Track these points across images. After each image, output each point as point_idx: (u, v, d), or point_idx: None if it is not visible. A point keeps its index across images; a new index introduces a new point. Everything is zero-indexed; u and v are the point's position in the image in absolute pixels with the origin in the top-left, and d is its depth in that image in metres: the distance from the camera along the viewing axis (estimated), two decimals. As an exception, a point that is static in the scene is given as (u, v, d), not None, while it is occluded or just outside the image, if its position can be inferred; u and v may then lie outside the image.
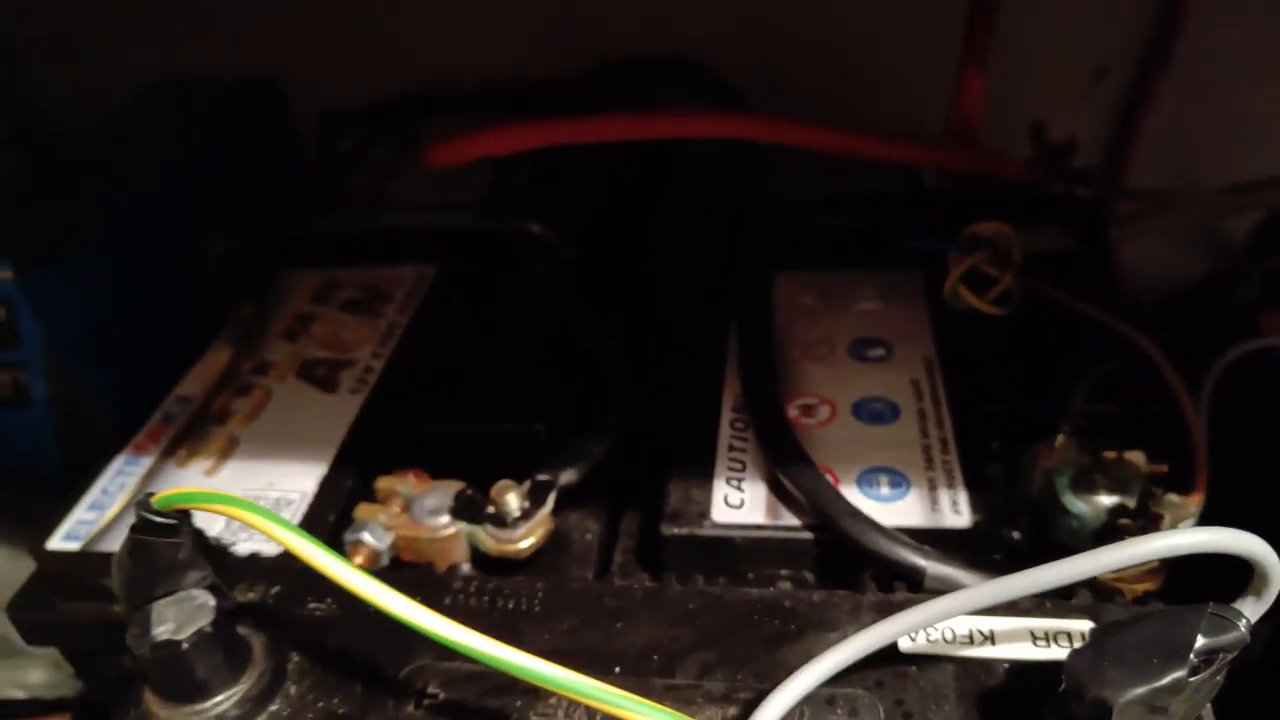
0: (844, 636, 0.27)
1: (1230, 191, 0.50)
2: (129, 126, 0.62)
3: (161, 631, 0.26)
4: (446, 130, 0.49)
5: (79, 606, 0.38)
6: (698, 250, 0.46)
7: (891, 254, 0.45)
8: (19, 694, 0.56)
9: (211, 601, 0.27)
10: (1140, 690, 0.21)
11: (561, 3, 0.58)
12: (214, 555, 0.28)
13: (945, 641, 0.27)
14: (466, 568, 0.37)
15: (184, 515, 0.27)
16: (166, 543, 0.27)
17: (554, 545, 0.37)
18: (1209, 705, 0.24)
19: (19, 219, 0.54)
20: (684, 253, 0.47)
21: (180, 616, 0.27)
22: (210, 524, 0.29)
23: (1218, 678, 0.22)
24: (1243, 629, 0.22)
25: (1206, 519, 0.30)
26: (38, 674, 0.56)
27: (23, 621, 0.39)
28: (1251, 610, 0.22)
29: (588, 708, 0.27)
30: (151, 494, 0.26)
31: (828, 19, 0.56)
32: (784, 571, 0.34)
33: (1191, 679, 0.21)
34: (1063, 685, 0.22)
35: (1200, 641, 0.21)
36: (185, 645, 0.26)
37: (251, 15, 0.62)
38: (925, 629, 0.27)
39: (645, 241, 0.48)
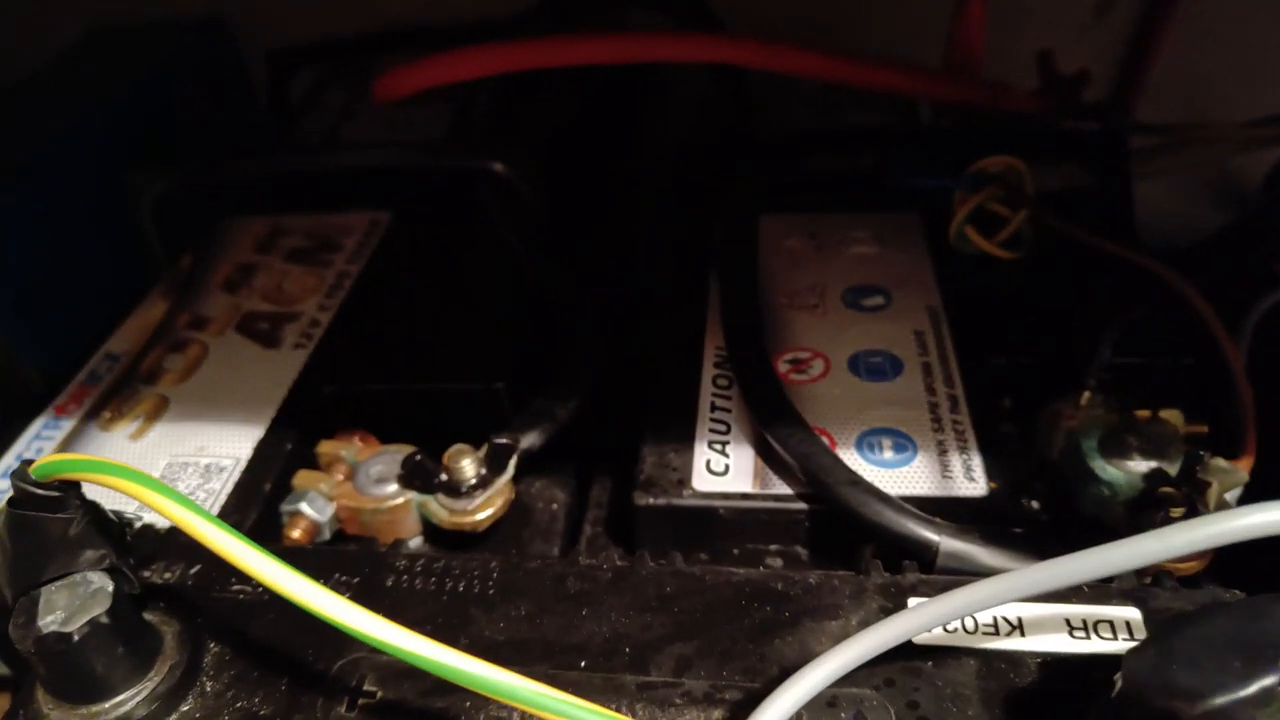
0: (845, 626, 0.24)
1: (1248, 126, 0.46)
2: (73, 69, 0.57)
3: (49, 622, 0.23)
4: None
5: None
6: (673, 191, 0.42)
7: (887, 195, 0.41)
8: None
9: (109, 586, 0.23)
10: (1220, 700, 0.17)
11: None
12: (114, 531, 0.24)
13: (966, 632, 0.23)
14: (417, 542, 0.33)
15: (73, 486, 0.23)
16: (53, 518, 0.23)
17: (515, 517, 0.33)
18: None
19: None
20: (658, 194, 0.43)
21: (72, 604, 0.23)
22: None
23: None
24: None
25: (1255, 486, 0.26)
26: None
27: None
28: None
29: (548, 709, 0.23)
30: (29, 461, 0.22)
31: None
32: (773, 547, 0.30)
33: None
34: (1117, 689, 0.18)
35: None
36: (76, 637, 0.22)
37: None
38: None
39: (616, 183, 0.43)
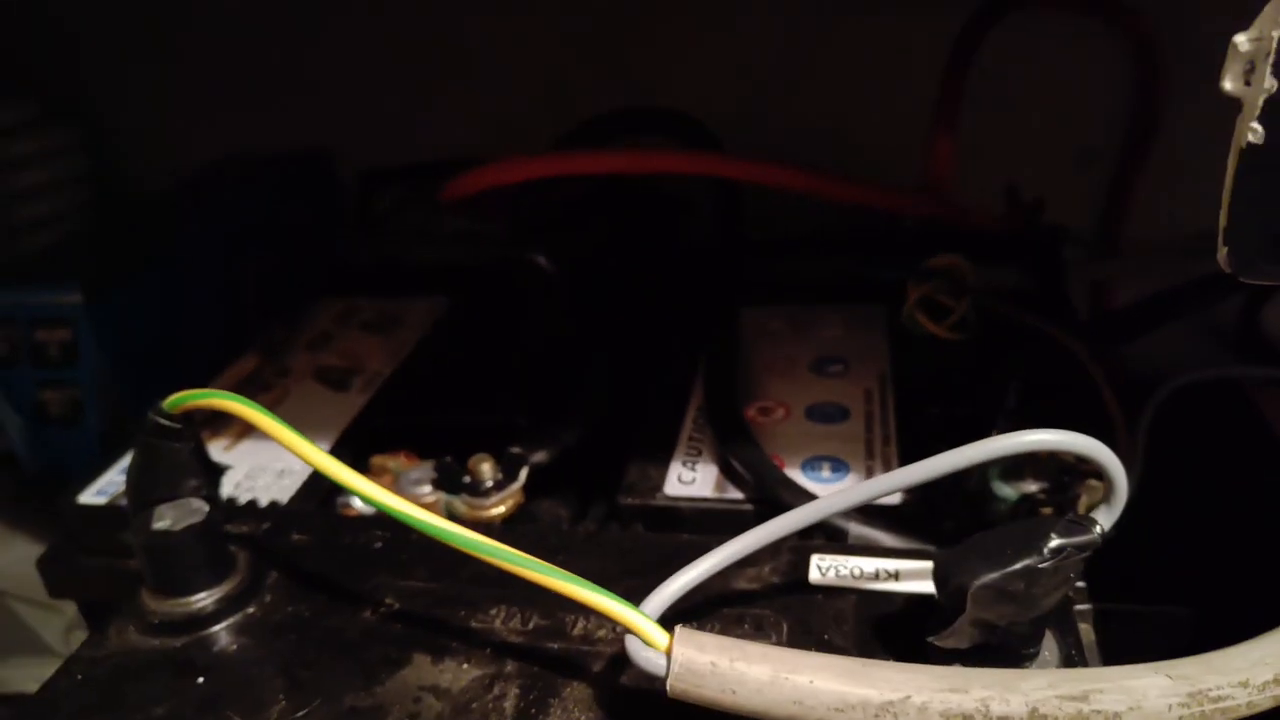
0: (760, 572, 0.30)
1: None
2: (194, 188, 0.69)
3: (159, 525, 0.30)
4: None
5: (100, 561, 0.42)
6: (675, 279, 0.51)
7: (857, 290, 0.49)
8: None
9: (205, 508, 0.31)
10: (993, 575, 0.24)
11: (576, 84, 0.65)
12: (213, 471, 0.32)
13: (853, 577, 0.30)
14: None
15: (189, 422, 0.31)
16: (171, 445, 0.31)
17: (523, 521, 0.40)
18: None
19: (90, 250, 0.60)
20: (661, 285, 0.51)
21: (176, 516, 0.30)
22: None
23: (1071, 575, 0.24)
24: (1096, 533, 0.24)
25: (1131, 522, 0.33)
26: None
27: (48, 575, 0.43)
28: (1105, 518, 0.25)
29: (522, 615, 0.30)
30: (163, 399, 0.30)
31: (816, 86, 0.61)
32: (726, 539, 0.37)
33: (1042, 567, 0.24)
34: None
35: (1054, 541, 0.24)
36: (175, 538, 0.30)
37: (309, 95, 0.70)
38: (834, 563, 0.30)
39: (630, 271, 0.52)
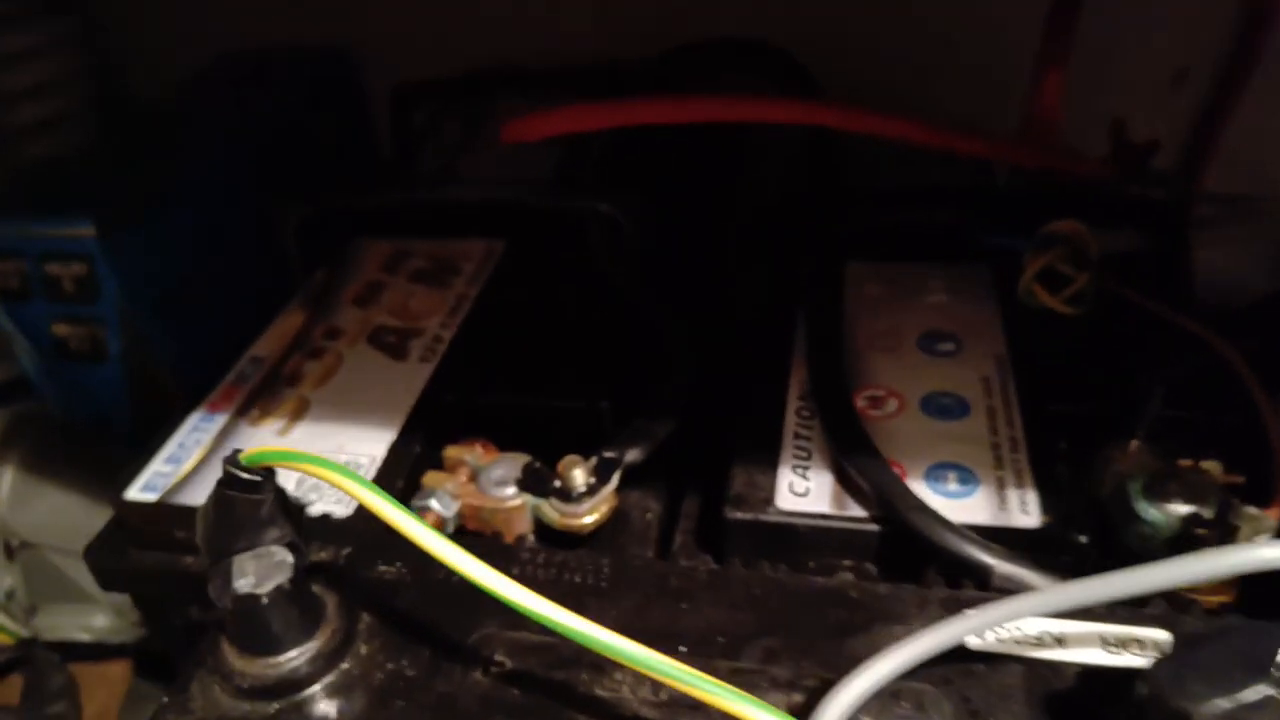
0: (909, 630, 0.28)
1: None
2: (206, 95, 0.63)
3: (242, 584, 0.27)
4: (517, 108, 0.50)
5: (152, 556, 0.39)
6: (766, 237, 0.46)
7: (959, 248, 0.45)
8: (84, 637, 0.58)
9: (290, 559, 0.28)
10: (1223, 704, 0.21)
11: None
12: (294, 513, 0.29)
13: (1015, 642, 0.27)
14: (528, 539, 0.37)
15: (268, 473, 0.27)
16: (250, 499, 0.27)
17: (614, 522, 0.37)
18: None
19: (100, 180, 0.55)
20: (750, 240, 0.47)
21: (260, 571, 0.27)
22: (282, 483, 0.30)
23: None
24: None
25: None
26: (102, 619, 0.58)
27: (98, 567, 0.40)
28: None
29: (653, 683, 0.27)
30: (239, 451, 0.27)
31: (905, 9, 0.55)
32: (846, 562, 0.34)
33: (1276, 695, 0.21)
34: (1141, 692, 0.22)
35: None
36: (265, 600, 0.27)
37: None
38: (994, 628, 0.27)
39: (712, 227, 0.48)
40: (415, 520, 0.25)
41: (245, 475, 0.27)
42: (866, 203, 0.45)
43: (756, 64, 0.47)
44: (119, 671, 0.61)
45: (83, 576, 0.58)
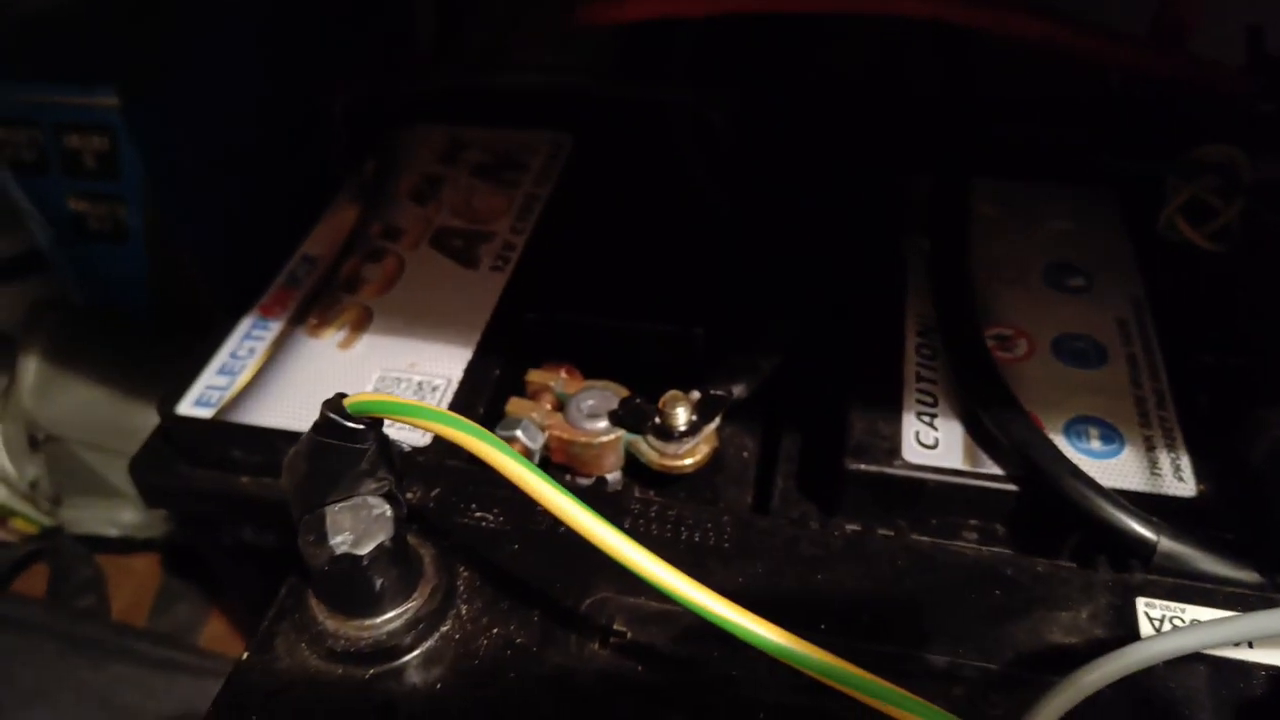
0: (1075, 618, 0.25)
1: None
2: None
3: (340, 542, 0.24)
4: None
5: (204, 474, 0.37)
6: (873, 146, 0.42)
7: (1083, 168, 0.41)
8: (112, 531, 0.56)
9: (389, 511, 0.25)
10: None
11: None
12: (396, 462, 0.26)
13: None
14: (614, 476, 0.35)
15: (375, 422, 0.24)
16: (351, 448, 0.24)
17: (710, 462, 0.34)
18: None
19: (122, 46, 0.50)
20: (856, 149, 0.43)
21: (358, 526, 0.25)
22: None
23: None
24: None
25: None
26: (130, 514, 0.56)
27: (145, 483, 0.37)
28: None
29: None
30: (343, 395, 0.24)
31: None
32: (973, 522, 0.31)
33: None
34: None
35: None
36: (366, 561, 0.24)
37: None
38: (1165, 613, 0.25)
39: (814, 138, 0.43)
40: (578, 505, 0.22)
41: (348, 424, 0.24)
42: (986, 113, 0.41)
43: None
44: (147, 566, 0.59)
45: (110, 471, 0.55)
